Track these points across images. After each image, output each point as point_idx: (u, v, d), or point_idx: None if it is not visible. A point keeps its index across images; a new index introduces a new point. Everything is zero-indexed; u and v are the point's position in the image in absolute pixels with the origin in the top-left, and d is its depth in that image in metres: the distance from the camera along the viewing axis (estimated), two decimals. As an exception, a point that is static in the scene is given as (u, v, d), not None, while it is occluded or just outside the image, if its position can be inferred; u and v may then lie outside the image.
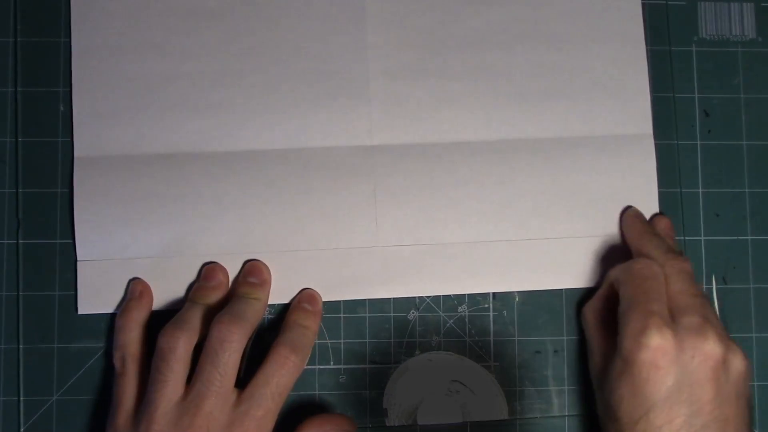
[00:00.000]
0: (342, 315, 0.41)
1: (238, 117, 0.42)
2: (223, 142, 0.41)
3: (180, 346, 0.36)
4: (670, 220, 0.42)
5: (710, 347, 0.35)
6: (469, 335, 0.42)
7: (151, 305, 0.40)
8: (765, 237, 0.43)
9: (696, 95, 0.43)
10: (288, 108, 0.42)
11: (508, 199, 0.42)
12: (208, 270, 0.40)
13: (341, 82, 0.42)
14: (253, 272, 0.40)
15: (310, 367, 0.41)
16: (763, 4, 0.44)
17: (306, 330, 0.39)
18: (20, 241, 0.41)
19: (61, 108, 0.42)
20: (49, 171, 0.41)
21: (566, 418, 0.41)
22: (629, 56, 0.43)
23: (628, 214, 0.42)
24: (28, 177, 0.41)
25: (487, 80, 0.42)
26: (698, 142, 0.43)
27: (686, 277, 0.37)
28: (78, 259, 0.41)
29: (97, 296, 0.41)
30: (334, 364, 0.41)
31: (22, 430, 0.40)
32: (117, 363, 0.38)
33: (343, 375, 0.41)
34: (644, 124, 0.42)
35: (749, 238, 0.43)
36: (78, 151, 0.41)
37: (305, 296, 0.41)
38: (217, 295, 0.40)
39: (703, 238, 0.43)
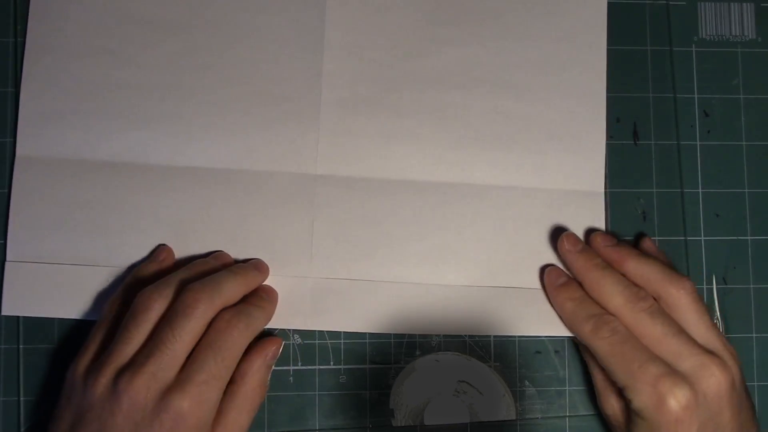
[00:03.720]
0: (342, 315, 0.41)
1: (184, 132, 0.41)
2: (167, 156, 0.41)
3: (154, 308, 0.36)
4: (652, 242, 0.41)
5: (719, 380, 0.35)
6: (470, 335, 0.42)
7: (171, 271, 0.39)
8: (765, 237, 0.43)
9: (696, 95, 0.43)
10: (235, 128, 0.41)
11: (448, 244, 0.41)
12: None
13: (292, 107, 0.41)
14: (265, 290, 0.40)
15: (310, 367, 0.41)
16: (763, 4, 0.44)
17: (256, 307, 0.38)
18: (20, 241, 0.41)
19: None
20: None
21: (567, 418, 0.41)
22: (589, 112, 0.42)
23: (566, 242, 0.39)
24: None
25: (440, 121, 0.42)
26: (698, 142, 0.43)
27: (653, 315, 0.36)
28: (7, 259, 0.40)
29: (22, 298, 0.40)
30: (334, 364, 0.41)
31: (22, 430, 0.40)
32: (104, 308, 0.38)
33: (343, 375, 0.41)
34: (597, 182, 0.42)
35: (749, 238, 0.43)
36: (20, 150, 0.41)
37: (263, 288, 0.40)
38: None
39: (703, 238, 0.43)
